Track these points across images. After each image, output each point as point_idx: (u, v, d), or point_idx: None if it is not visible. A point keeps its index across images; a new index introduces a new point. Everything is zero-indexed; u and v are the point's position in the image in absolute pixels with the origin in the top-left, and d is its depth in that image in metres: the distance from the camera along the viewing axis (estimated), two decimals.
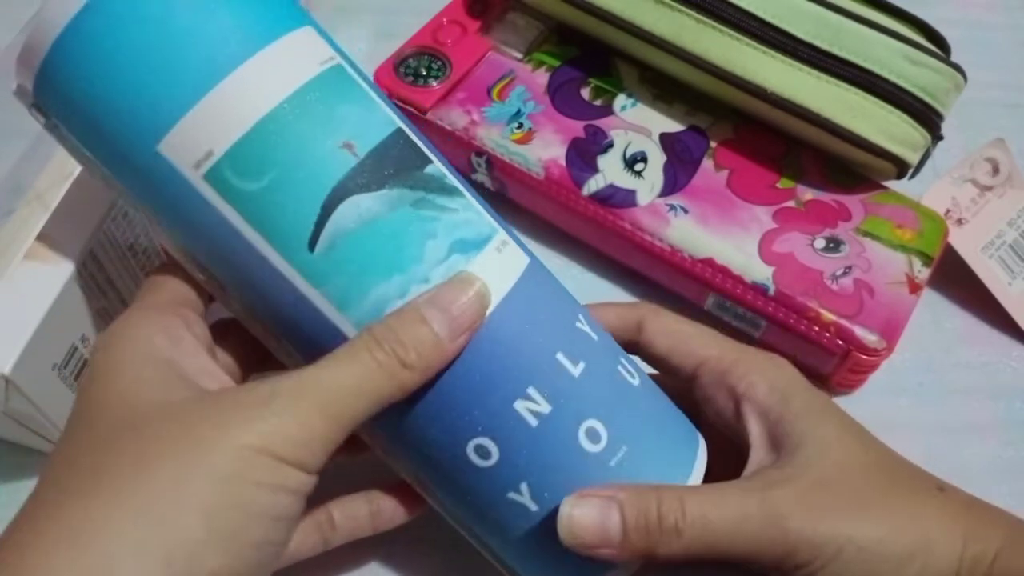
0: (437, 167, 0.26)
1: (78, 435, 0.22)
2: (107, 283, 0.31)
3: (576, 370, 0.25)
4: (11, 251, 0.29)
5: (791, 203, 0.39)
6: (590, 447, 0.25)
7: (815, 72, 0.37)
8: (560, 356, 0.25)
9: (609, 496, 0.25)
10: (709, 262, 0.37)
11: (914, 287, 0.37)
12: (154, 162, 0.23)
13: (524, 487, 0.25)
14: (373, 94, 0.26)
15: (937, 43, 0.39)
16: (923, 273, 0.37)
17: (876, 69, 0.36)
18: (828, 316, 0.35)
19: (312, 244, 0.23)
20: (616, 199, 0.38)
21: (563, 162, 0.39)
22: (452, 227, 0.25)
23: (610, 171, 0.39)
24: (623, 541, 0.24)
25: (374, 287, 0.24)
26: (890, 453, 0.27)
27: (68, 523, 0.20)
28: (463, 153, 0.41)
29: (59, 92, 0.23)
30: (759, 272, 0.36)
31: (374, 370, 0.23)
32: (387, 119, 0.25)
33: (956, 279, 0.40)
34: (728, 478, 0.27)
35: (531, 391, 0.24)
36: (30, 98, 0.24)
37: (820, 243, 0.37)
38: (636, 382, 0.27)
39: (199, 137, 0.23)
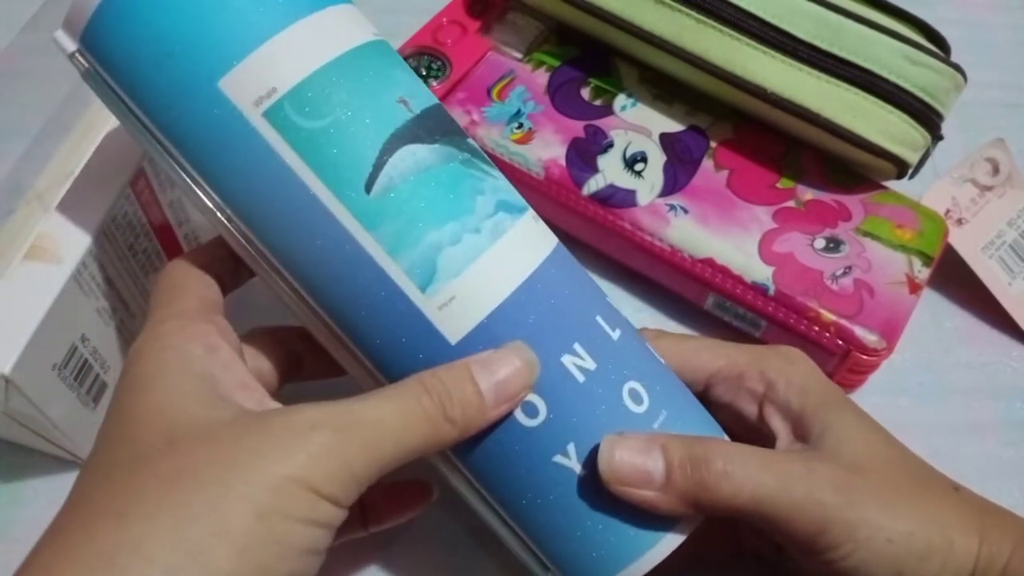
0: (474, 143, 0.27)
1: (112, 448, 0.22)
2: (107, 283, 0.31)
3: (614, 334, 0.26)
4: (11, 251, 0.29)
5: (791, 203, 0.39)
6: (634, 407, 0.25)
7: (815, 72, 0.37)
8: (600, 319, 0.26)
9: (652, 437, 0.25)
10: (709, 262, 0.37)
11: (914, 287, 0.37)
12: (211, 100, 0.24)
13: (571, 448, 0.25)
14: (418, 78, 0.27)
15: (937, 43, 0.39)
16: (923, 273, 0.37)
17: (876, 69, 0.36)
18: (828, 316, 0.35)
19: (369, 186, 0.24)
20: (616, 199, 0.38)
21: (563, 162, 0.39)
22: (496, 189, 0.26)
23: (610, 171, 0.39)
24: (667, 483, 0.24)
25: (428, 233, 0.24)
26: (907, 449, 0.27)
27: (101, 545, 0.20)
28: None
29: (119, 31, 0.24)
30: (759, 272, 0.36)
31: (419, 416, 0.23)
32: (430, 94, 0.27)
33: (956, 279, 0.40)
34: None
35: (577, 347, 0.25)
36: (74, 43, 0.25)
37: (820, 243, 0.37)
38: (663, 361, 0.28)
39: (264, 75, 0.24)
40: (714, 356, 0.29)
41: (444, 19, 0.44)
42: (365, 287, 0.24)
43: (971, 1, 0.54)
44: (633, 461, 0.24)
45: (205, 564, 0.19)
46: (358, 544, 0.30)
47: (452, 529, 0.32)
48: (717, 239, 0.37)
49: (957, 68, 0.37)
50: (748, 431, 0.28)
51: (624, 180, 0.39)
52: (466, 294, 0.24)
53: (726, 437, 0.28)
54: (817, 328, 0.36)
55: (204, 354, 0.23)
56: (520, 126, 0.40)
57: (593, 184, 0.38)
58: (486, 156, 0.27)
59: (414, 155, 0.24)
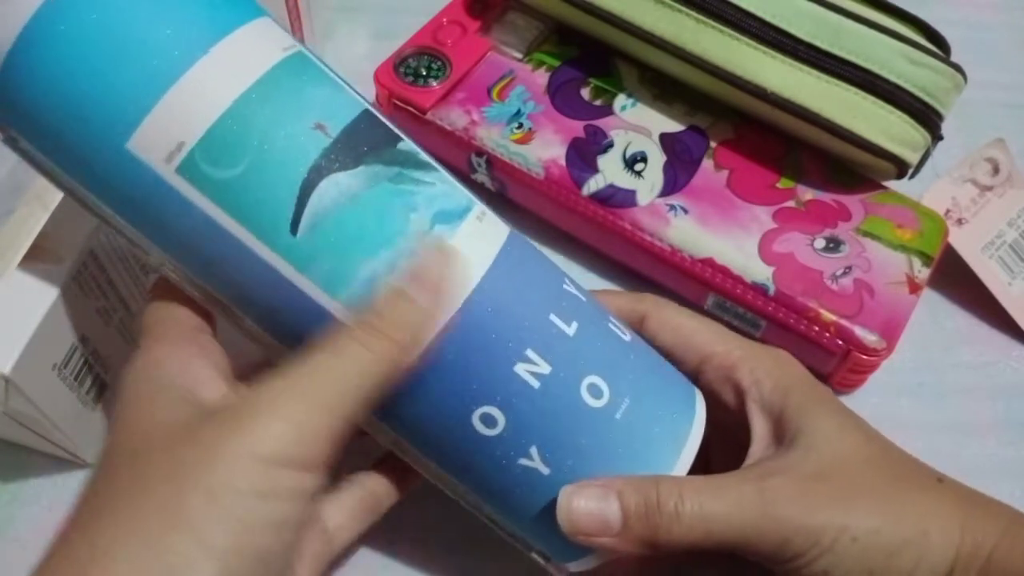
0: (409, 144, 0.26)
1: (95, 471, 0.23)
2: (107, 283, 0.31)
3: (570, 329, 0.26)
4: (11, 251, 0.29)
5: (791, 203, 0.39)
6: (594, 402, 0.25)
7: (815, 72, 0.37)
8: (553, 317, 0.25)
9: (607, 485, 0.25)
10: (709, 262, 0.37)
11: (914, 287, 0.37)
12: (125, 163, 0.23)
13: (534, 451, 0.25)
14: (337, 79, 0.26)
15: (937, 43, 0.39)
16: (923, 273, 0.37)
17: (876, 69, 0.36)
18: (828, 316, 0.35)
19: (294, 227, 0.23)
20: (616, 199, 0.38)
21: (563, 162, 0.39)
22: (432, 199, 0.25)
23: (610, 171, 0.39)
24: (623, 529, 0.24)
25: (362, 264, 0.23)
26: (890, 446, 0.27)
27: (77, 555, 0.20)
28: (463, 153, 0.41)
29: (19, 102, 0.23)
30: (759, 272, 0.36)
31: (362, 354, 0.22)
32: (354, 101, 0.25)
33: (956, 279, 0.40)
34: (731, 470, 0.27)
35: (529, 353, 0.25)
36: None
37: (820, 243, 0.37)
38: (628, 338, 0.28)
39: (169, 130, 0.22)
40: (709, 340, 0.29)
41: (444, 19, 0.44)
42: (309, 325, 0.24)
43: (971, 1, 0.54)
44: (592, 513, 0.24)
45: (164, 554, 0.20)
46: (356, 544, 0.30)
47: (451, 529, 0.32)
48: (717, 239, 0.37)
49: (957, 68, 0.37)
50: (731, 422, 0.29)
51: (624, 180, 0.39)
52: None
53: (698, 408, 0.28)
54: (817, 328, 0.36)
55: (178, 372, 0.24)
56: (520, 126, 0.40)
57: (593, 184, 0.38)
58: (423, 159, 0.25)
59: (336, 186, 0.23)
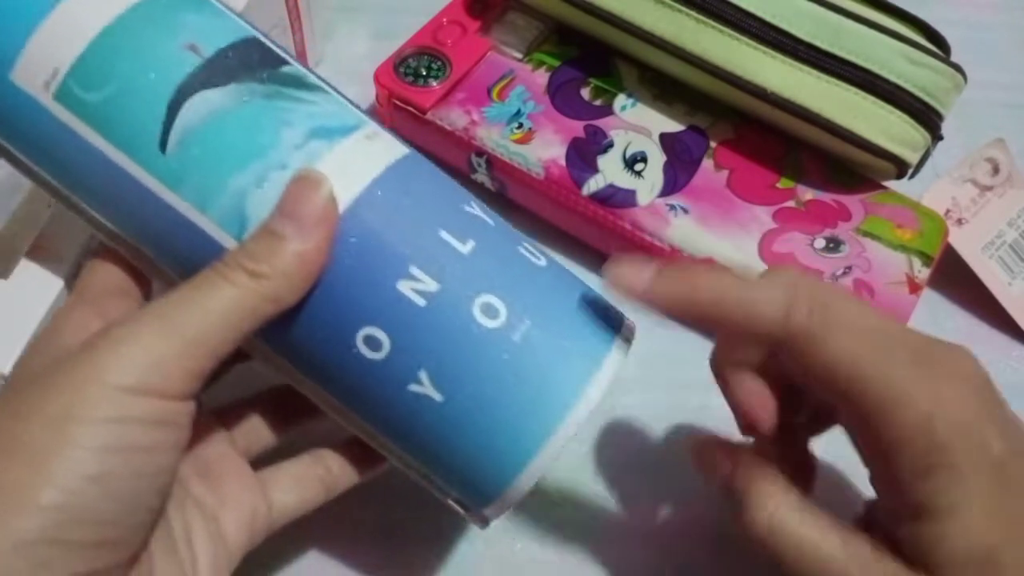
0: (297, 68, 0.25)
1: None
2: None
3: (464, 248, 0.24)
4: (11, 251, 0.29)
5: (791, 203, 0.39)
6: (488, 322, 0.24)
7: (815, 72, 0.37)
8: (444, 234, 0.24)
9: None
10: (709, 262, 0.37)
11: (914, 287, 0.37)
12: (11, 95, 0.24)
13: (424, 375, 0.24)
14: (228, 11, 0.25)
15: (937, 43, 0.39)
16: (923, 273, 0.37)
17: (876, 69, 0.36)
18: None
19: (163, 145, 0.23)
20: (616, 199, 0.38)
21: (563, 162, 0.39)
22: (311, 116, 0.24)
23: (610, 171, 0.39)
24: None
25: (230, 178, 0.23)
26: None
27: None
28: (463, 153, 0.41)
29: None
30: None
31: (227, 290, 0.22)
32: (240, 28, 0.25)
33: (956, 279, 0.40)
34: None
35: (414, 270, 0.24)
36: None
37: (820, 243, 0.37)
38: (542, 263, 0.26)
39: (45, 58, 0.23)
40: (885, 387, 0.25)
41: (444, 19, 0.44)
42: (187, 244, 0.24)
43: (971, 1, 0.54)
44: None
45: (4, 487, 0.19)
46: (353, 541, 0.30)
47: (448, 528, 0.32)
48: (717, 239, 0.37)
49: (957, 68, 0.37)
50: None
51: (624, 180, 0.39)
52: None
53: (618, 338, 0.26)
54: None
55: (72, 330, 0.24)
56: (520, 126, 0.40)
57: (593, 184, 0.38)
58: (310, 82, 0.25)
59: (205, 102, 0.23)
